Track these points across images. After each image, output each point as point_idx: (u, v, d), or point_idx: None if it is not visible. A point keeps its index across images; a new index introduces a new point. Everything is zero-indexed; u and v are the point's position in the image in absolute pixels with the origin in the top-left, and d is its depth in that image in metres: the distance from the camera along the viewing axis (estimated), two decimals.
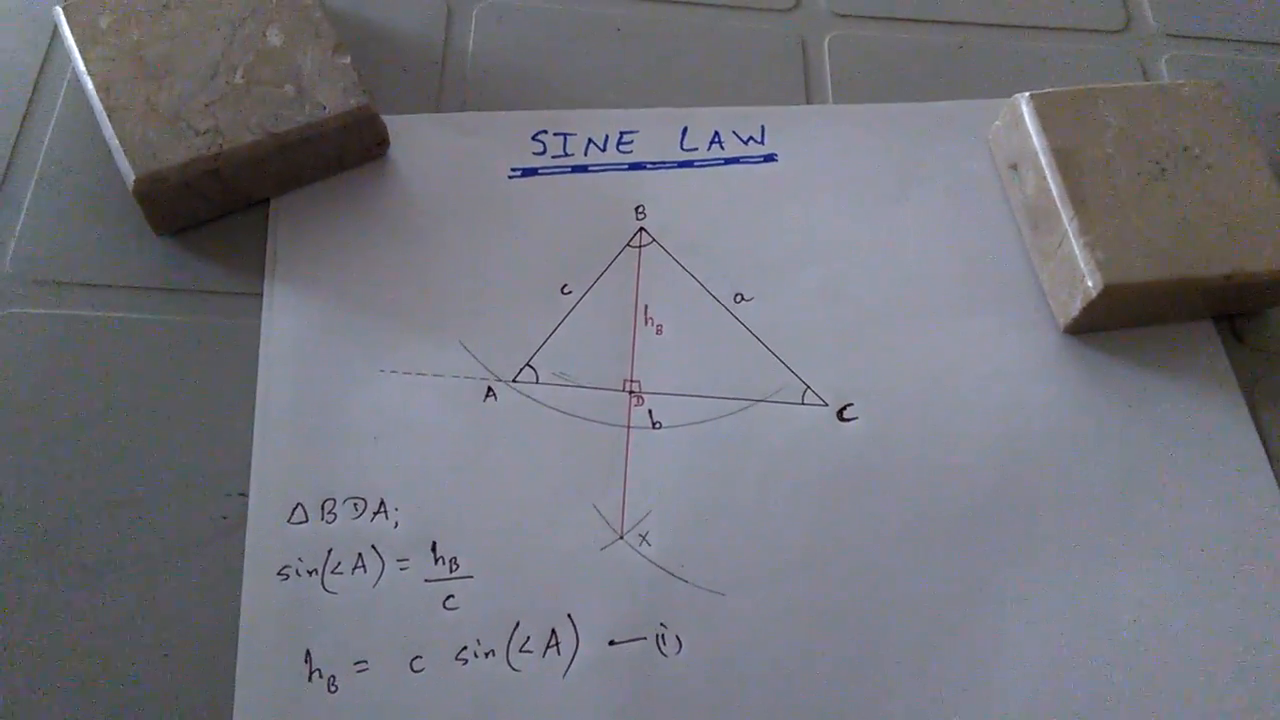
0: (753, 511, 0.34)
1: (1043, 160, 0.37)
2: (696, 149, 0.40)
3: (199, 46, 0.36)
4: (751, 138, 0.41)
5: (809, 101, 0.42)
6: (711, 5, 0.44)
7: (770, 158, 0.40)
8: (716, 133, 0.41)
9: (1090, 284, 0.35)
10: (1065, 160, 0.37)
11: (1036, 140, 0.37)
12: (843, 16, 0.44)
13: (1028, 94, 0.38)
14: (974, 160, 0.40)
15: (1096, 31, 0.45)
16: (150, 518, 0.32)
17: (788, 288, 0.37)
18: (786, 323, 0.37)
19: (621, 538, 0.33)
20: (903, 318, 0.37)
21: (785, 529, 0.33)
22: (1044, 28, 0.45)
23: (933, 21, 0.45)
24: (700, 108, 0.41)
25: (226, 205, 0.37)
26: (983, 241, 0.39)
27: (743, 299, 0.37)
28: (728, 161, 0.40)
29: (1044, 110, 0.38)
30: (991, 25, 0.45)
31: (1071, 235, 0.35)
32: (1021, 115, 0.38)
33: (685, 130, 0.40)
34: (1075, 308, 0.36)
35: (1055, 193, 0.36)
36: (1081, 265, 0.35)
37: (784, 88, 0.42)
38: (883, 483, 0.34)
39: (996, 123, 0.40)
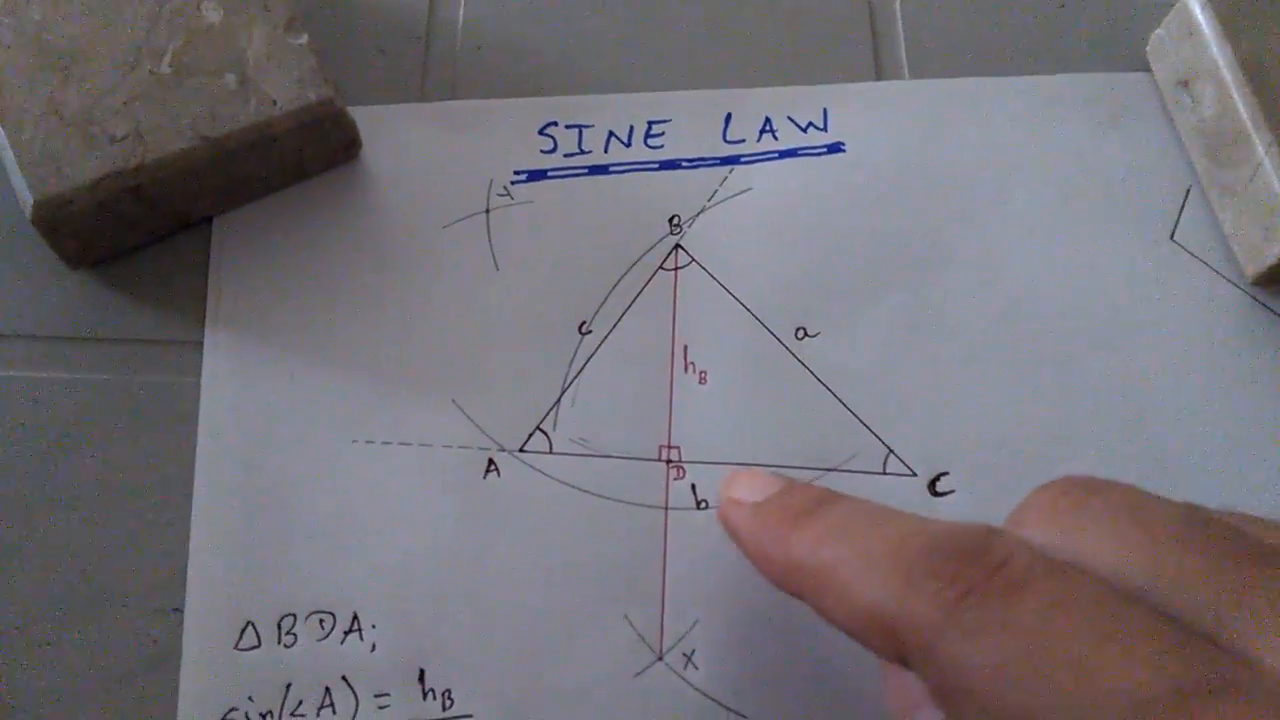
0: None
1: (1227, 74, 0.30)
2: (744, 140, 0.32)
3: (116, 27, 0.29)
4: (812, 124, 0.33)
5: (880, 77, 0.34)
6: None
7: (836, 148, 0.32)
8: (768, 119, 0.33)
9: None
10: (1257, 73, 0.30)
11: (1218, 49, 0.31)
12: None
13: None
14: (1097, 146, 0.32)
15: None
16: (54, 646, 0.25)
17: (863, 320, 0.30)
18: (862, 366, 0.29)
19: (661, 659, 0.26)
20: (1011, 357, 0.29)
21: None
22: None
23: None
24: (747, 89, 0.33)
25: (156, 229, 0.29)
26: (1117, 255, 0.31)
27: (806, 335, 0.30)
28: (783, 155, 0.32)
29: (1225, 12, 0.31)
30: None
31: (1269, 166, 0.29)
32: (1195, 19, 0.31)
33: (729, 117, 0.32)
34: (1273, 254, 0.30)
35: (1245, 113, 0.30)
36: None
37: (849, 61, 0.34)
38: None
39: (1158, 30, 0.33)
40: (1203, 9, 0.31)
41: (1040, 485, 0.20)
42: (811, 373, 0.29)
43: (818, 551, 0.20)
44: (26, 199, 0.27)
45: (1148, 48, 0.34)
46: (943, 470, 0.28)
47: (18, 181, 0.27)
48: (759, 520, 0.22)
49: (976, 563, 0.17)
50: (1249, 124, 0.30)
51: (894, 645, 0.18)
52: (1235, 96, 0.30)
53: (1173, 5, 0.33)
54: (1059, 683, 0.16)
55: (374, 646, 0.26)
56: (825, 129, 0.33)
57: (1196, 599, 0.16)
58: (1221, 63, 0.31)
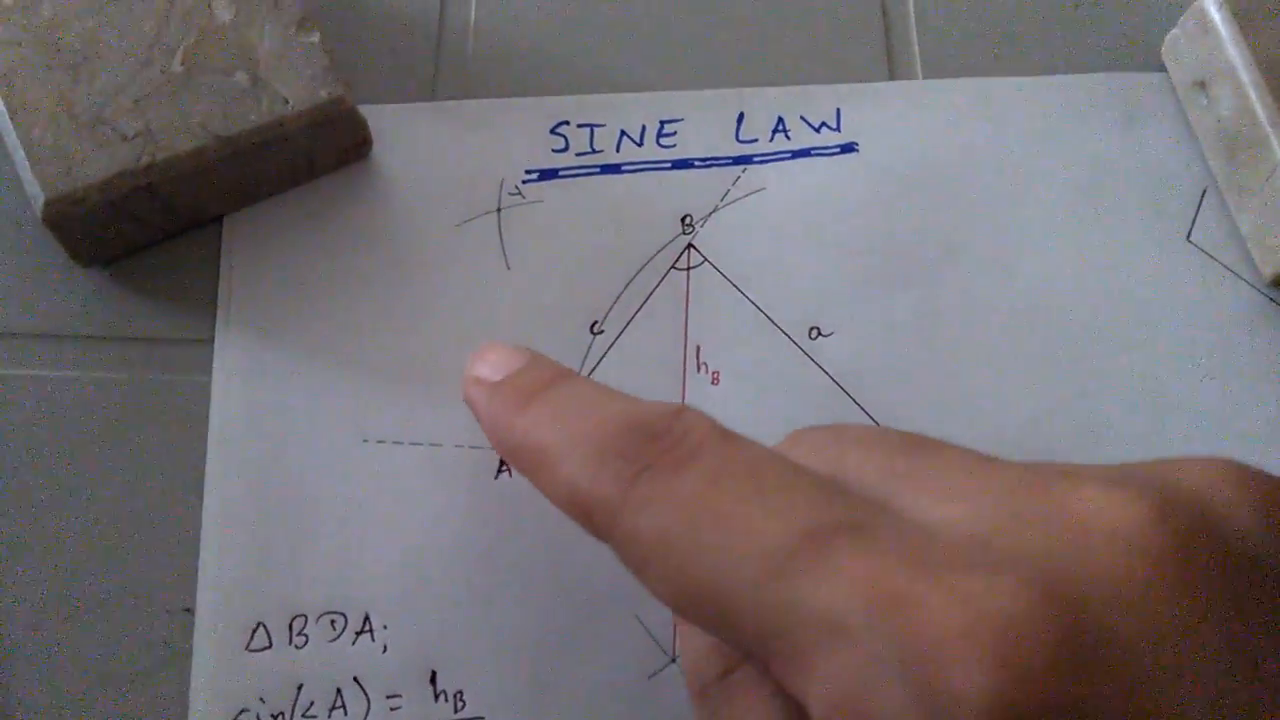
0: None
1: (1244, 74, 0.30)
2: (756, 140, 0.32)
3: (127, 25, 0.29)
4: (825, 123, 0.32)
5: (893, 77, 0.34)
6: None
7: (849, 148, 0.32)
8: (781, 119, 0.32)
9: None
10: (1274, 73, 0.30)
11: (1234, 50, 0.30)
12: None
13: None
14: (1112, 147, 0.32)
15: None
16: (65, 645, 0.25)
17: (879, 318, 0.30)
18: (876, 366, 0.29)
19: (674, 660, 0.26)
20: (1026, 357, 0.29)
21: None
22: None
23: None
24: (760, 88, 0.33)
25: (166, 227, 0.29)
26: (1133, 255, 0.31)
27: (820, 335, 0.29)
28: (796, 154, 0.32)
29: (1241, 11, 0.31)
30: None
31: None
32: (1211, 19, 0.31)
33: (742, 117, 0.32)
34: None
35: (1263, 114, 0.30)
36: None
37: (862, 60, 0.34)
38: None
39: (1174, 31, 0.33)
40: (1219, 9, 0.31)
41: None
42: (826, 372, 0.29)
43: (534, 433, 0.20)
44: (37, 197, 0.27)
45: (1163, 48, 0.34)
46: None
47: (28, 180, 0.27)
48: (494, 400, 0.22)
49: (658, 440, 0.18)
50: (1266, 124, 0.30)
51: (591, 525, 0.19)
52: (1252, 96, 0.30)
53: (1188, 5, 0.33)
54: (708, 542, 0.16)
55: (385, 647, 0.25)
56: (838, 129, 0.32)
57: (873, 483, 0.18)
58: (1238, 63, 0.31)
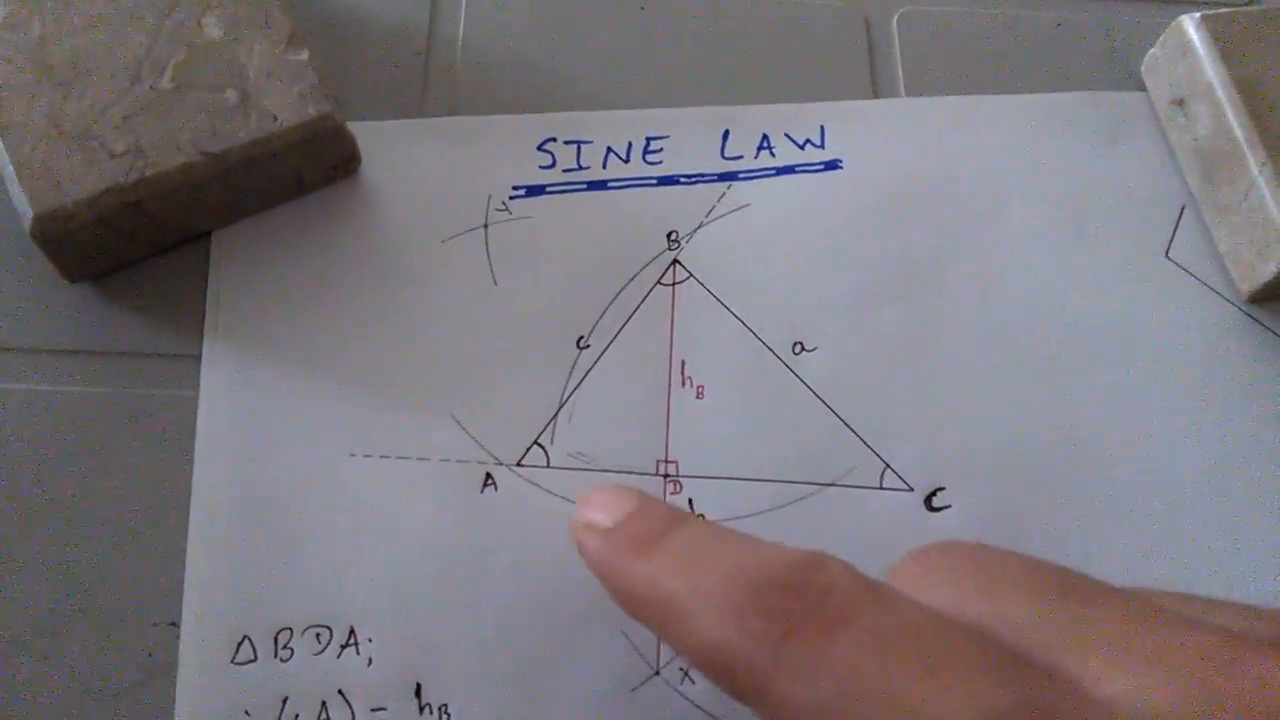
0: None
1: (1221, 94, 0.31)
2: (741, 156, 0.32)
3: (117, 43, 0.29)
4: (809, 141, 0.33)
5: (877, 95, 0.34)
6: None
7: (833, 165, 0.32)
8: (766, 136, 0.33)
9: None
10: (1251, 92, 0.30)
11: (1211, 69, 0.31)
12: None
13: (1198, 14, 0.32)
14: (1093, 164, 0.33)
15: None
16: (50, 660, 0.25)
17: (860, 334, 0.30)
18: (859, 381, 0.29)
19: (658, 673, 0.26)
20: (1007, 372, 0.30)
21: None
22: (1172, 0, 0.37)
23: None
24: (745, 105, 0.33)
25: (155, 243, 0.29)
26: (1112, 272, 0.31)
27: (803, 350, 0.30)
28: (780, 171, 0.32)
29: (1219, 32, 0.31)
30: None
31: (1263, 184, 0.29)
32: (1190, 40, 0.32)
33: (727, 134, 0.33)
34: (1267, 271, 0.30)
35: (1240, 133, 0.30)
36: (1278, 220, 0.29)
37: (846, 78, 0.34)
38: None
39: (1154, 50, 0.34)
40: (1197, 29, 0.32)
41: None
42: (808, 387, 0.29)
43: (658, 585, 0.19)
44: (26, 213, 0.27)
45: (1143, 67, 0.34)
46: (939, 485, 0.28)
47: (17, 196, 0.27)
48: (607, 549, 0.21)
49: (800, 596, 0.17)
50: (1243, 143, 0.30)
51: (733, 686, 0.17)
52: (1229, 115, 0.31)
53: (1168, 25, 0.33)
54: (877, 717, 0.15)
55: (371, 660, 0.26)
56: (823, 146, 0.33)
57: (1032, 635, 0.16)
58: (1216, 82, 0.31)
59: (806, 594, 0.17)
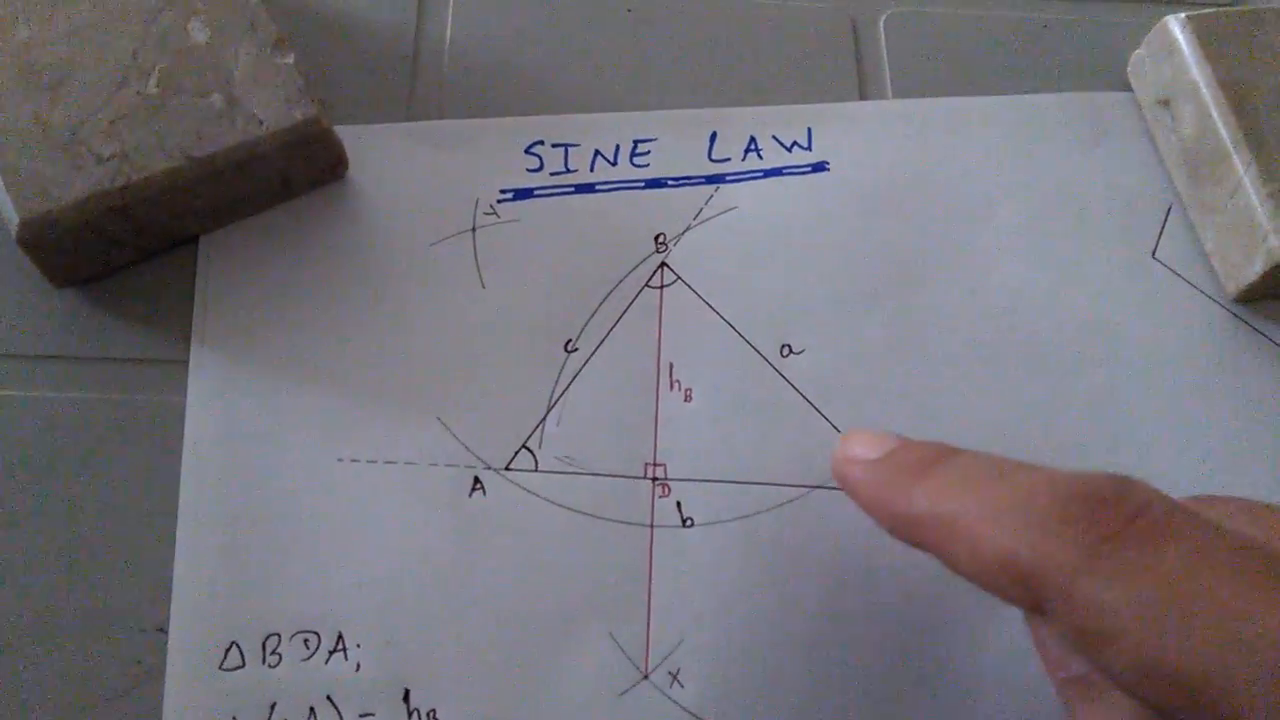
0: (815, 634, 0.26)
1: (1206, 94, 0.31)
2: (729, 159, 0.32)
3: (103, 48, 0.29)
4: (796, 143, 0.33)
5: (863, 96, 0.34)
6: None
7: (820, 166, 0.32)
8: (753, 138, 0.33)
9: (1275, 242, 0.29)
10: (1235, 93, 0.30)
11: (1197, 70, 0.31)
12: None
13: (1183, 15, 0.32)
14: (1079, 165, 0.33)
15: None
16: (38, 665, 0.25)
17: (848, 335, 0.30)
18: (847, 382, 0.29)
19: (646, 677, 0.26)
20: (994, 372, 0.30)
21: (859, 656, 0.26)
22: (1159, 0, 0.37)
23: None
24: (732, 108, 0.33)
25: (142, 247, 0.29)
26: (1099, 272, 0.31)
27: (791, 352, 0.30)
28: (768, 174, 0.32)
29: (1204, 33, 0.31)
30: None
31: (1248, 185, 0.30)
32: (1175, 41, 0.32)
33: (714, 136, 0.33)
34: (1253, 272, 0.30)
35: (1225, 134, 0.30)
36: (1263, 221, 0.29)
37: (833, 80, 0.34)
38: (974, 591, 0.27)
39: (1139, 51, 0.34)
40: (1182, 30, 0.32)
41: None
42: (796, 389, 0.29)
43: (942, 503, 0.20)
44: (12, 218, 0.27)
45: (1129, 68, 0.34)
46: None
47: (3, 201, 0.27)
48: (878, 474, 0.21)
49: (1114, 508, 0.17)
50: (1228, 143, 0.30)
51: (1028, 592, 0.18)
52: (1215, 116, 0.31)
53: (1153, 26, 0.33)
54: (1204, 627, 0.16)
55: (359, 666, 0.26)
56: (810, 148, 0.33)
57: None
58: (1201, 83, 0.31)
59: (1122, 507, 0.17)
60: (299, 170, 0.30)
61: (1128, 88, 0.34)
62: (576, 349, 0.29)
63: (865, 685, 0.26)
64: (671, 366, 0.29)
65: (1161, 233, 0.32)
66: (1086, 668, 0.19)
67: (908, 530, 0.21)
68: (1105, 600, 0.17)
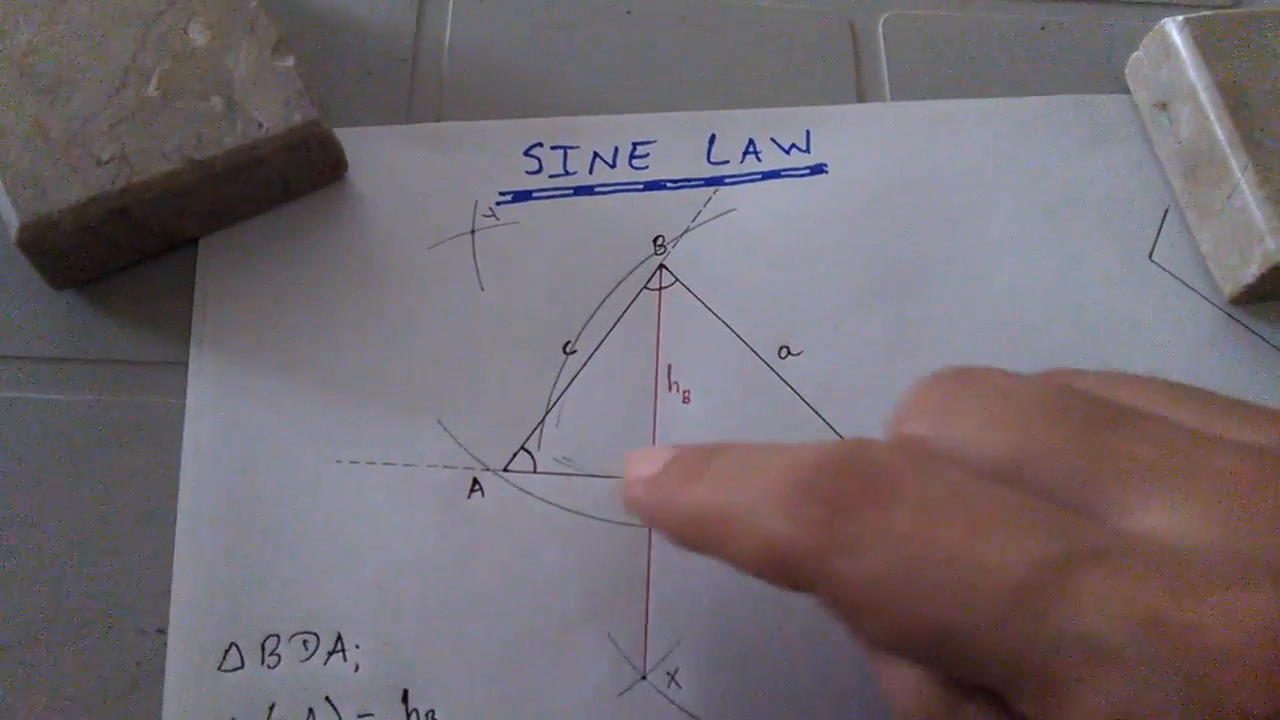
0: (812, 634, 0.26)
1: (1204, 96, 0.31)
2: (727, 161, 0.32)
3: (103, 51, 0.29)
4: (795, 145, 0.33)
5: (862, 99, 0.34)
6: None
7: (819, 169, 0.33)
8: (751, 140, 0.33)
9: (1272, 245, 0.29)
10: (1233, 95, 0.31)
11: (1194, 73, 0.31)
12: None
13: (1181, 17, 0.32)
14: (1077, 167, 0.33)
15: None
16: (37, 667, 0.25)
17: (847, 337, 0.30)
18: (845, 384, 0.29)
19: (644, 677, 0.26)
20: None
21: (856, 655, 0.26)
22: (1157, 3, 0.37)
23: None
24: (730, 110, 0.33)
25: (142, 249, 0.29)
26: (1097, 274, 0.31)
27: (789, 354, 0.30)
28: (766, 176, 0.32)
29: (1201, 36, 0.31)
30: (1083, 1, 0.37)
31: (1245, 186, 0.30)
32: (1173, 43, 0.32)
33: (713, 138, 0.33)
34: (1250, 274, 0.30)
35: (1222, 136, 0.30)
36: (1260, 223, 0.29)
37: (831, 83, 0.34)
38: None
39: (1137, 53, 0.34)
40: (1180, 32, 0.32)
41: (917, 379, 0.20)
42: (795, 391, 0.29)
43: (710, 500, 0.20)
44: (12, 221, 0.27)
45: (1126, 70, 0.35)
46: None
47: (3, 204, 0.27)
48: (659, 486, 0.21)
49: (847, 477, 0.17)
50: (1225, 146, 0.30)
51: (790, 577, 0.18)
52: (1212, 119, 0.31)
53: (1151, 29, 0.33)
54: (939, 581, 0.16)
55: (357, 667, 0.26)
56: (808, 150, 0.33)
57: (1064, 469, 0.17)
58: (1198, 85, 0.31)
59: (852, 474, 0.17)
60: (298, 172, 0.30)
61: (1126, 90, 0.34)
62: (575, 351, 0.29)
63: (862, 685, 0.26)
64: (670, 368, 0.29)
65: (1159, 235, 0.32)
66: (946, 712, 0.19)
67: (687, 536, 0.20)
68: (853, 574, 0.17)
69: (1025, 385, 0.19)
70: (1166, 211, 0.32)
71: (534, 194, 0.31)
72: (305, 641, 0.26)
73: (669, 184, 0.32)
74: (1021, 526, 0.16)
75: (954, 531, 0.16)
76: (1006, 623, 0.15)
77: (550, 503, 0.27)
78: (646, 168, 0.32)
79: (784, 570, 0.18)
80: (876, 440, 0.18)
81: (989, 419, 0.18)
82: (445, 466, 0.28)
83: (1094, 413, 0.18)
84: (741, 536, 0.19)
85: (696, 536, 0.20)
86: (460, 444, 0.28)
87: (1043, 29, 0.36)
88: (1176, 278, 0.31)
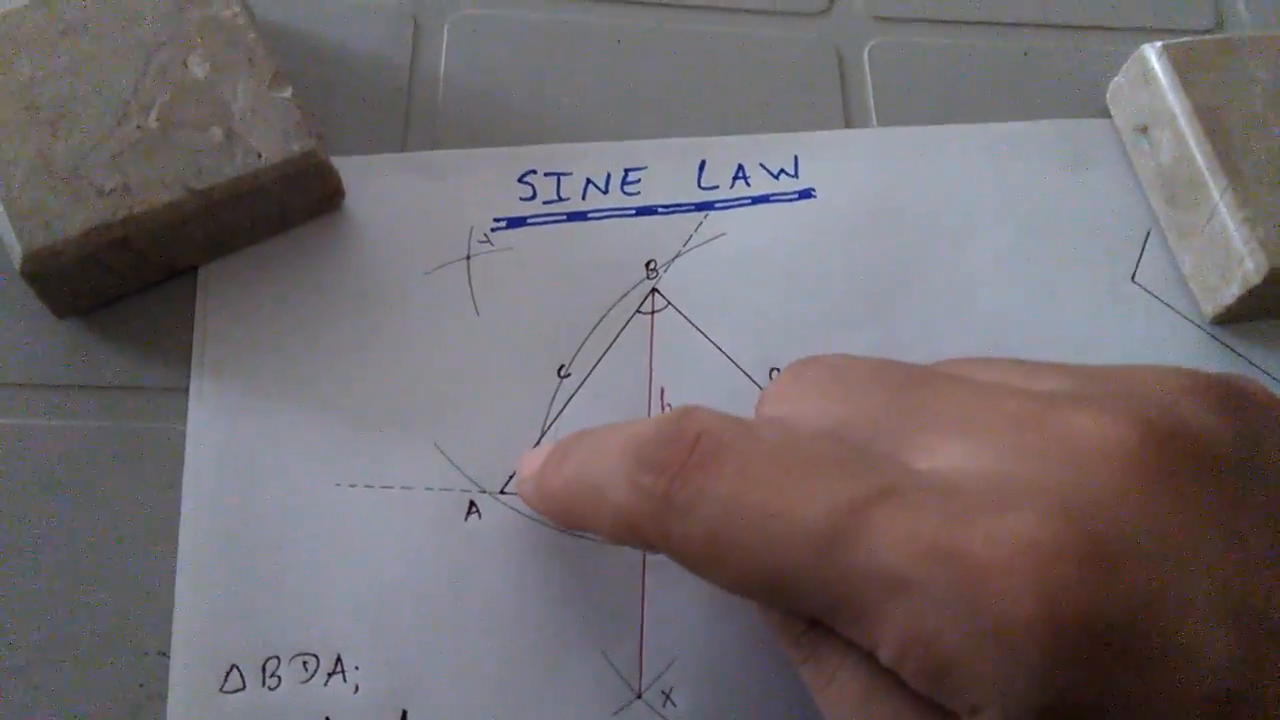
0: None
1: (1183, 121, 0.32)
2: (717, 186, 0.33)
3: (104, 83, 0.29)
4: (783, 170, 0.34)
5: (849, 124, 0.35)
6: (730, 10, 0.37)
7: (806, 194, 0.33)
8: (741, 166, 0.34)
9: (1251, 266, 0.30)
10: (1211, 119, 0.31)
11: (1173, 97, 0.32)
12: (884, 20, 0.37)
13: (1160, 44, 0.33)
14: (1060, 190, 0.33)
15: None
16: (39, 691, 0.25)
17: None
18: None
19: (639, 697, 0.26)
20: None
21: None
22: (1137, 29, 0.38)
23: (991, 24, 0.37)
24: (720, 136, 0.34)
25: (143, 278, 0.30)
26: (1079, 296, 0.32)
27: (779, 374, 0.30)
28: (755, 200, 0.33)
29: (1180, 62, 0.32)
30: (1064, 27, 0.38)
31: (1224, 209, 0.30)
32: (1152, 69, 0.33)
33: (703, 164, 0.33)
34: (1230, 294, 0.31)
35: (1201, 160, 0.31)
36: (1239, 244, 0.30)
37: (819, 108, 0.35)
38: None
39: (1118, 78, 0.35)
40: (1159, 58, 0.33)
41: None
42: None
43: (573, 481, 0.22)
44: (16, 251, 0.27)
45: (1108, 95, 0.35)
46: None
47: (6, 234, 0.28)
48: (540, 478, 0.24)
49: (676, 445, 0.20)
50: (1204, 169, 0.31)
51: (642, 540, 0.20)
52: (1191, 143, 0.31)
53: (1131, 54, 0.34)
54: (759, 533, 0.18)
55: (357, 688, 0.26)
56: (796, 175, 0.33)
57: (876, 425, 0.20)
58: (1178, 110, 0.32)
59: (681, 442, 0.20)
60: (296, 201, 0.30)
61: (1107, 114, 0.35)
62: (569, 374, 0.30)
63: None
64: (663, 391, 0.30)
65: (1141, 256, 0.33)
66: (804, 625, 0.21)
67: (565, 519, 0.23)
68: (688, 534, 0.19)
69: (855, 363, 0.22)
70: (1148, 234, 0.33)
71: (528, 220, 0.32)
72: (305, 663, 0.26)
73: (660, 209, 0.33)
74: (828, 475, 0.18)
75: (769, 488, 0.18)
76: (817, 565, 0.18)
77: (546, 524, 0.28)
78: (638, 193, 0.33)
79: (635, 535, 0.20)
80: (703, 407, 0.21)
81: (823, 393, 0.21)
82: (442, 489, 0.28)
83: (907, 378, 0.21)
84: (600, 509, 0.21)
85: (570, 514, 0.23)
86: (457, 467, 0.28)
87: (1025, 55, 0.37)
88: (1158, 299, 0.32)
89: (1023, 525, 0.16)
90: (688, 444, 0.19)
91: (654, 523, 0.20)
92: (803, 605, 0.19)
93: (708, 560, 0.19)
